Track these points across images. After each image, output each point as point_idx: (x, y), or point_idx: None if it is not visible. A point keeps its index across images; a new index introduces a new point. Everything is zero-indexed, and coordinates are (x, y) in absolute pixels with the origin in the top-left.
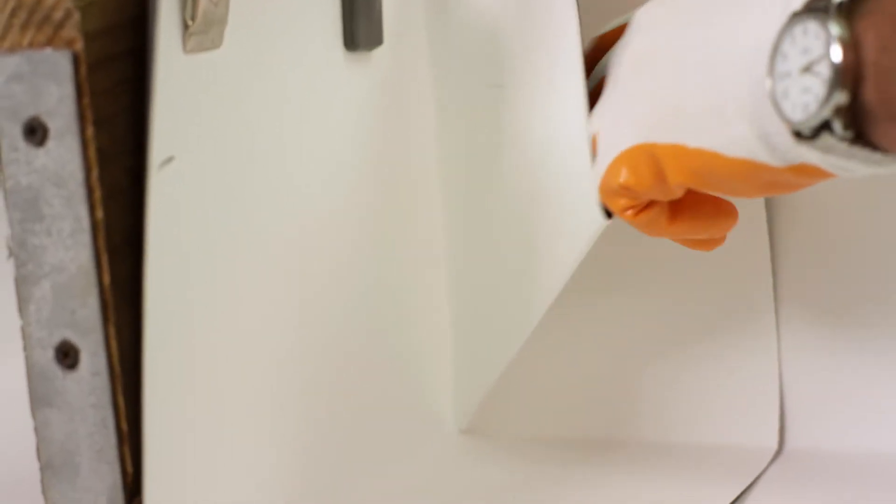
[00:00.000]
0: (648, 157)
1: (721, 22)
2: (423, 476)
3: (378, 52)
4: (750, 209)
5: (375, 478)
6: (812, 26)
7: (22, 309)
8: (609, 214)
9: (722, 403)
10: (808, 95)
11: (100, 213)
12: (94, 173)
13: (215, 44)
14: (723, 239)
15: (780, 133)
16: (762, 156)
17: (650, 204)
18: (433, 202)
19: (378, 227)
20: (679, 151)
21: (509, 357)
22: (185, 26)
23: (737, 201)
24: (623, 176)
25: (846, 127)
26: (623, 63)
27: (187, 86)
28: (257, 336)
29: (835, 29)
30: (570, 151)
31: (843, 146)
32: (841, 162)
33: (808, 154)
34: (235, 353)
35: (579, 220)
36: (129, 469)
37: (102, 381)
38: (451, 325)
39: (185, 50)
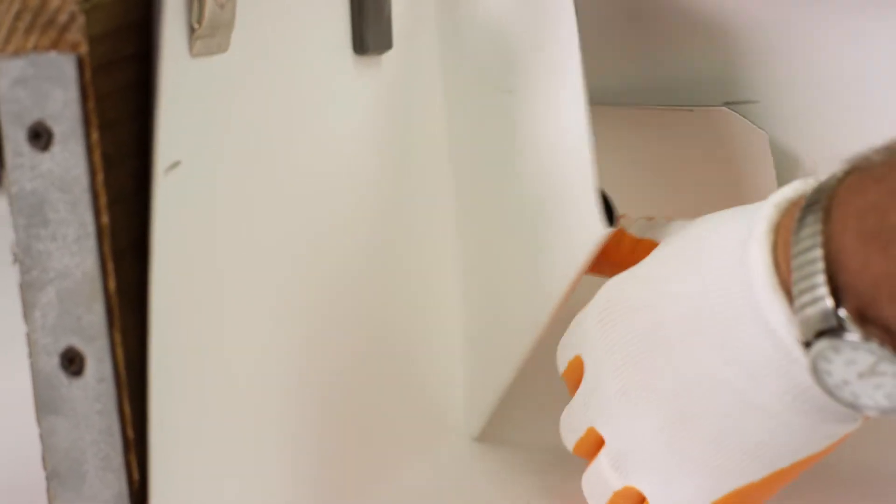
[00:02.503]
0: None
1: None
2: (435, 484)
3: (388, 56)
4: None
5: (386, 485)
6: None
7: (27, 315)
8: (611, 223)
9: None
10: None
11: (105, 219)
12: (100, 178)
13: (222, 48)
14: None
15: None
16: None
17: None
18: (444, 208)
19: (389, 233)
20: (750, 489)
21: (516, 365)
22: (192, 30)
23: None
24: None
25: None
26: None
27: (193, 90)
28: (265, 343)
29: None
30: (570, 160)
31: None
32: None
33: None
34: (243, 359)
35: (580, 230)
36: (136, 477)
37: (108, 388)
38: (463, 332)
39: (192, 54)
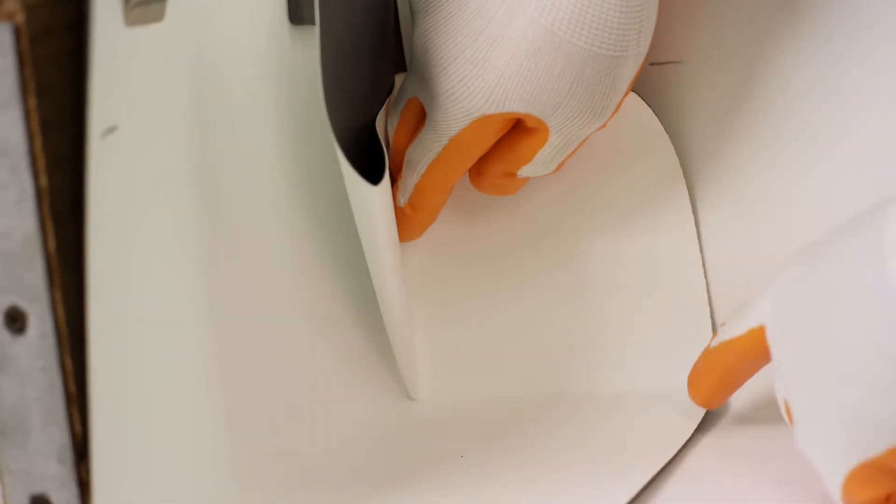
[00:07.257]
0: (875, 471)
1: None
2: (372, 438)
3: None
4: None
5: (323, 437)
6: None
7: None
8: (376, 181)
9: (656, 349)
10: None
11: (44, 181)
12: (38, 143)
13: (157, 17)
14: None
15: None
16: None
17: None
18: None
19: (321, 204)
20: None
21: (395, 331)
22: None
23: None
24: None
25: None
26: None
27: (128, 58)
28: (199, 299)
29: None
30: None
31: None
32: None
33: None
34: (177, 316)
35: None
36: (78, 430)
37: (49, 345)
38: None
39: (127, 23)
